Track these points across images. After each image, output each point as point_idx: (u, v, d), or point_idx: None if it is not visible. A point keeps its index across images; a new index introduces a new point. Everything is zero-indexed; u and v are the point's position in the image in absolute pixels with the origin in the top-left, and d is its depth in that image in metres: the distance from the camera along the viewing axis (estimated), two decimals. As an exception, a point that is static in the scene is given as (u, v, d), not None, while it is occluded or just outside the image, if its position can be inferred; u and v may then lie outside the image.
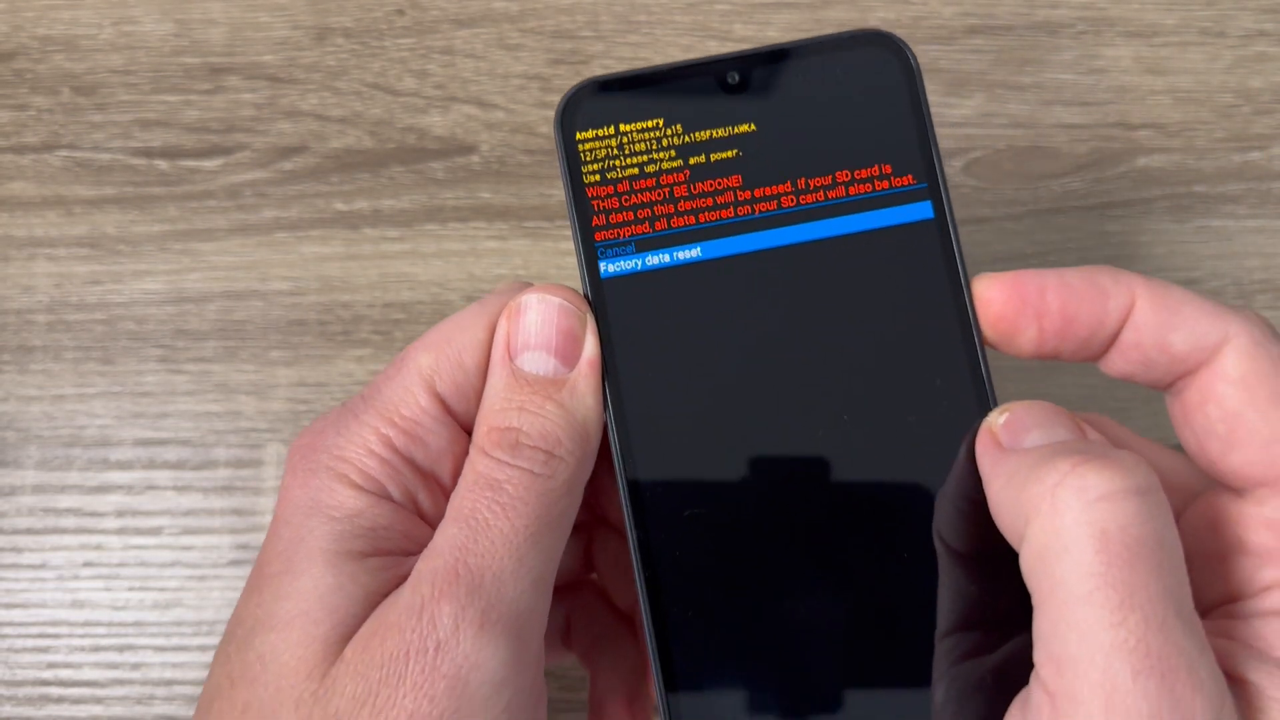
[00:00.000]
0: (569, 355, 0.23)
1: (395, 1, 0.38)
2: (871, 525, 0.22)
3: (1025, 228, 0.36)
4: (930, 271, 0.23)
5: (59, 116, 0.37)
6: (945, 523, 0.22)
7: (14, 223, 0.37)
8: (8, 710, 0.33)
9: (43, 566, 0.34)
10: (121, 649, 0.34)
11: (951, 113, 0.37)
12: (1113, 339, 0.22)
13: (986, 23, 0.38)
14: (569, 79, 0.38)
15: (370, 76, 0.38)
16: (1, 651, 0.34)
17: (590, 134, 0.24)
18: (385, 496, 0.22)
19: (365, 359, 0.35)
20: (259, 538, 0.34)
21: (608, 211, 0.23)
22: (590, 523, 0.29)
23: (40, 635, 0.34)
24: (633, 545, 0.22)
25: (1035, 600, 0.19)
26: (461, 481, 0.22)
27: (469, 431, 0.23)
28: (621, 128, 0.24)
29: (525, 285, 0.24)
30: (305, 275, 0.36)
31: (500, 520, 0.21)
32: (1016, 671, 0.20)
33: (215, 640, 0.34)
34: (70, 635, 0.34)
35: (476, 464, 0.22)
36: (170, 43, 0.38)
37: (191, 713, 0.33)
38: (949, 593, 0.22)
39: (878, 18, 0.38)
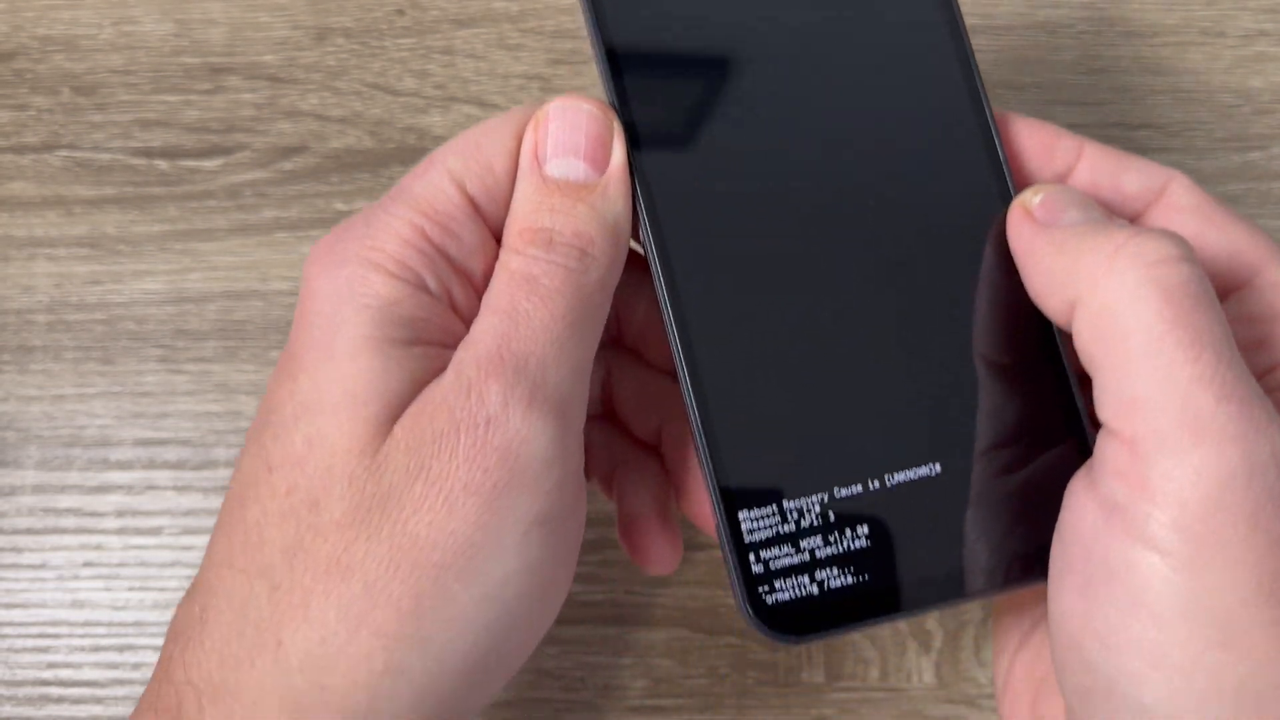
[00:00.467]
0: (598, 160, 0.23)
1: (395, 1, 0.38)
2: (908, 327, 0.23)
3: (1025, 228, 0.36)
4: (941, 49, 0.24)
5: (59, 116, 0.37)
6: (982, 330, 0.23)
7: (14, 223, 0.37)
8: (8, 710, 0.33)
9: (43, 566, 0.34)
10: (122, 649, 0.34)
11: (952, 113, 0.37)
12: (1067, 176, 0.24)
13: (986, 23, 0.38)
14: (570, 79, 0.38)
15: (370, 76, 0.38)
16: (1, 651, 0.34)
17: None
18: (422, 287, 0.22)
19: (365, 359, 0.35)
20: (259, 538, 0.34)
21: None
22: (608, 350, 0.28)
23: (40, 635, 0.34)
24: (671, 333, 0.22)
25: (1095, 359, 0.20)
26: (495, 279, 0.22)
27: (497, 238, 0.23)
28: None
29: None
30: (305, 275, 0.36)
31: (539, 310, 0.21)
32: (1050, 480, 0.22)
33: (215, 640, 0.34)
34: (70, 635, 0.34)
35: (510, 262, 0.22)
36: (170, 43, 0.38)
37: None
38: (985, 408, 0.23)
39: (878, 18, 0.38)
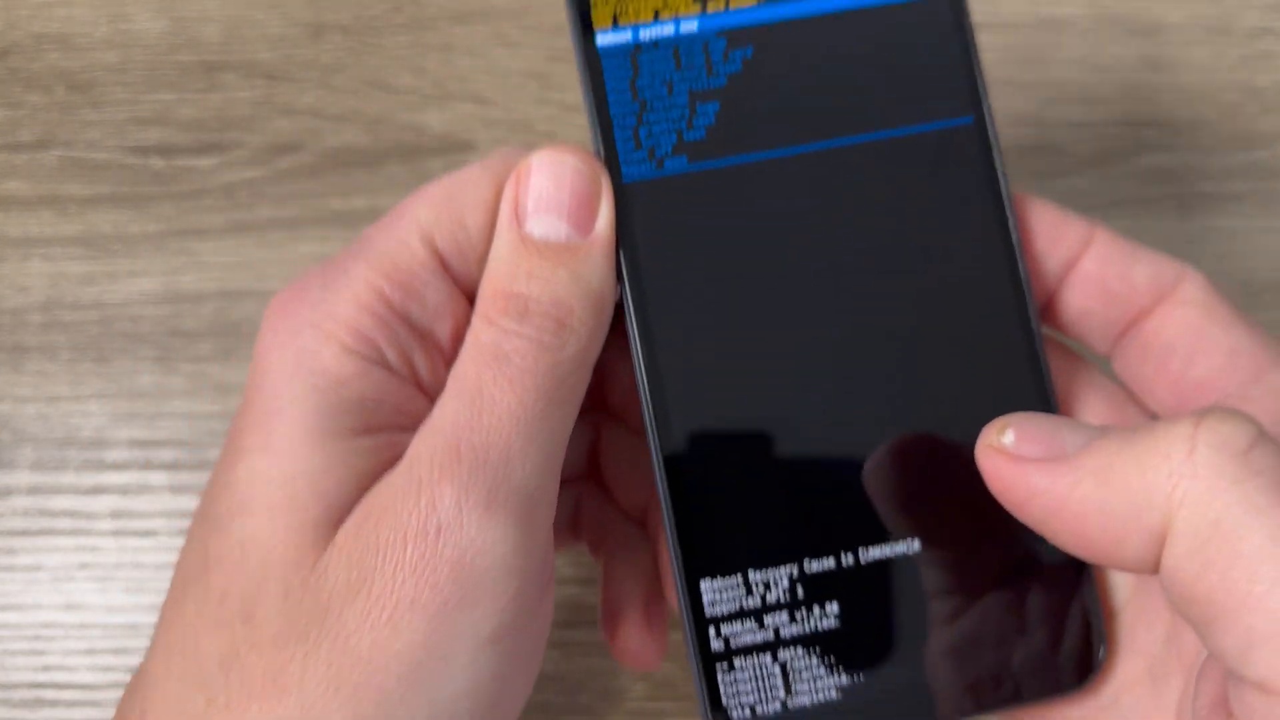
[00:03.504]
0: (583, 221, 0.21)
1: (393, -2, 0.38)
2: (895, 411, 0.22)
3: (1029, 227, 0.36)
4: (968, 178, 0.22)
5: (53, 114, 0.37)
6: (974, 415, 0.21)
7: (8, 221, 0.36)
8: (2, 713, 0.33)
9: (37, 568, 0.34)
10: (116, 651, 0.33)
11: (954, 110, 0.37)
12: (1074, 263, 0.22)
13: (991, 20, 0.38)
14: (568, 76, 0.37)
15: (367, 73, 0.37)
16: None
17: None
18: (378, 361, 0.20)
19: (362, 359, 0.35)
20: (255, 539, 0.34)
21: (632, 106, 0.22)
22: (595, 414, 0.27)
23: (34, 638, 0.34)
24: (651, 434, 0.21)
25: (1217, 596, 0.16)
26: (464, 352, 0.20)
27: (469, 296, 0.21)
28: None
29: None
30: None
31: (506, 394, 0.19)
32: (1048, 590, 0.20)
33: (211, 643, 0.34)
34: (65, 638, 0.34)
35: (480, 333, 0.20)
36: (165, 40, 0.38)
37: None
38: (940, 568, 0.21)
39: (880, 14, 0.38)
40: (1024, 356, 0.22)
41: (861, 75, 0.22)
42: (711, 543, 0.21)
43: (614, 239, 0.21)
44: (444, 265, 0.21)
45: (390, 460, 0.20)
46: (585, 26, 0.21)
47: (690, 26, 0.22)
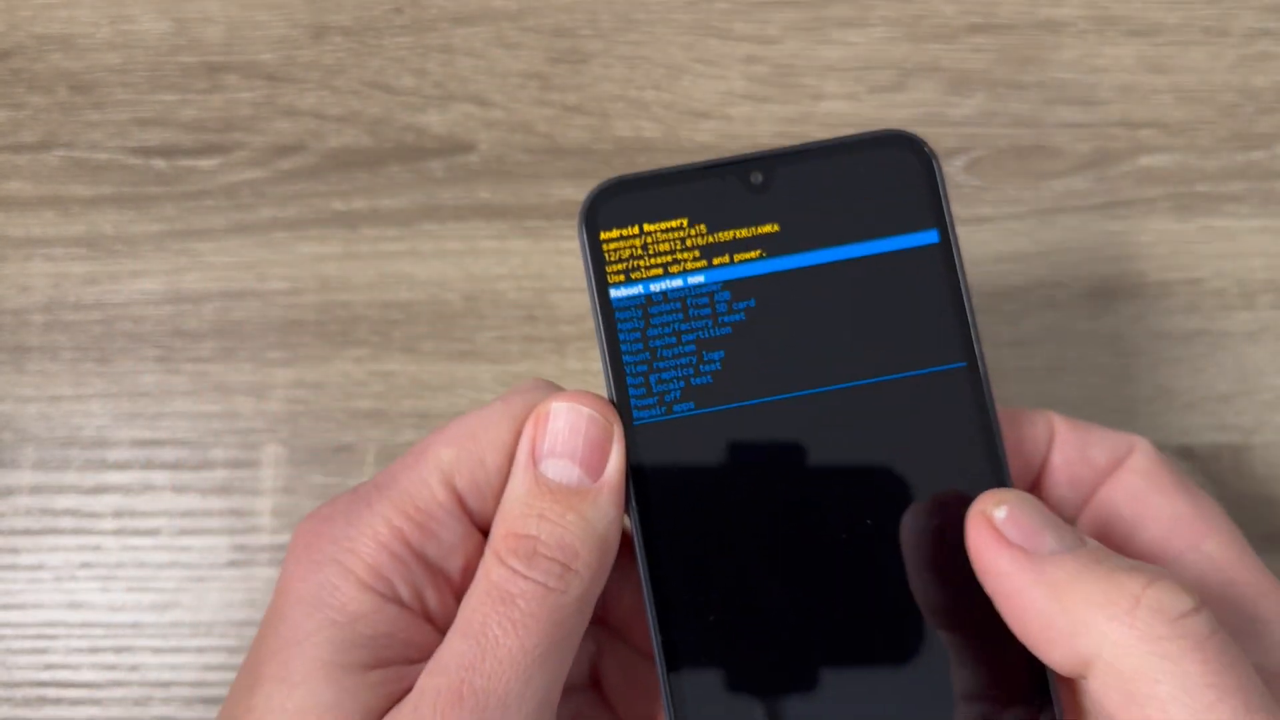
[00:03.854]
0: (594, 466, 0.22)
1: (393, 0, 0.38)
2: (877, 604, 0.22)
3: (1027, 227, 0.36)
4: (958, 414, 0.23)
5: (56, 115, 0.37)
6: (931, 601, 0.22)
7: (11, 222, 0.36)
8: (5, 712, 0.33)
9: (40, 567, 0.34)
10: (119, 650, 0.34)
11: (953, 111, 0.37)
12: (1044, 461, 0.25)
13: (989, 21, 0.38)
14: (569, 77, 0.37)
15: (368, 75, 0.37)
16: (0, 653, 0.34)
17: (615, 233, 0.24)
18: (393, 598, 0.22)
19: (363, 359, 0.35)
20: (257, 538, 0.34)
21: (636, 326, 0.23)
22: (597, 629, 0.28)
23: (37, 636, 0.34)
24: (659, 659, 0.22)
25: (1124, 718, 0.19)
26: (474, 588, 0.21)
27: (483, 530, 0.23)
28: (646, 227, 0.24)
29: (550, 385, 0.23)
30: (303, 275, 0.36)
31: (510, 638, 0.20)
32: None
33: (213, 641, 0.34)
34: (68, 636, 0.34)
35: (491, 571, 0.21)
36: (168, 41, 0.38)
37: (189, 714, 0.33)
38: (951, 669, 0.22)
39: (879, 16, 0.38)
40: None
41: (858, 323, 0.23)
42: None
43: (622, 484, 0.22)
44: (461, 504, 0.22)
45: (400, 692, 0.21)
46: (601, 281, 0.23)
47: (697, 280, 0.23)
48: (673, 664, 0.22)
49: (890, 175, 0.24)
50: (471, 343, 0.35)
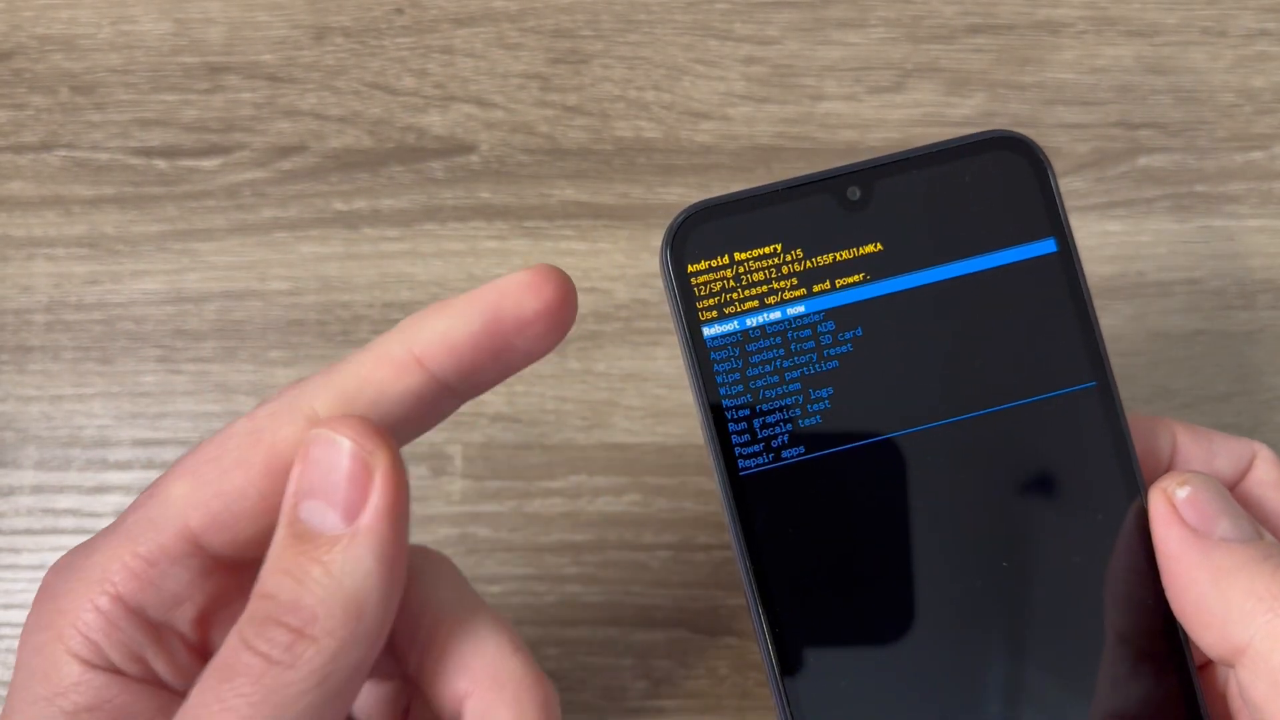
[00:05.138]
0: (352, 506, 0.18)
1: (394, 0, 0.38)
2: (1037, 624, 0.21)
3: (1026, 227, 0.36)
4: (1091, 430, 0.22)
5: (57, 116, 0.37)
6: (1113, 602, 0.22)
7: (12, 222, 0.37)
8: (6, 711, 0.33)
9: (41, 567, 0.34)
10: (120, 650, 0.34)
11: (953, 112, 0.37)
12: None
13: (988, 21, 0.38)
14: (569, 78, 0.38)
15: (369, 76, 0.38)
16: (0, 653, 0.34)
17: (704, 264, 0.21)
18: (103, 665, 0.19)
19: (364, 359, 0.35)
20: (258, 538, 0.34)
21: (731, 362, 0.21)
22: (400, 684, 0.24)
23: (39, 636, 0.34)
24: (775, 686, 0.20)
25: (1271, 714, 0.19)
26: (216, 654, 0.18)
27: (229, 566, 0.20)
28: (737, 256, 0.21)
29: (301, 383, 0.20)
30: (304, 275, 0.36)
31: None
32: None
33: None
34: (69, 636, 0.34)
35: (229, 638, 0.18)
36: (169, 42, 0.38)
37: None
38: (1107, 679, 0.22)
39: (878, 16, 0.38)
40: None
41: (976, 346, 0.21)
42: None
43: (389, 530, 0.18)
44: (195, 544, 0.19)
45: None
46: (693, 319, 0.21)
47: (798, 310, 0.21)
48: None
49: (999, 181, 0.22)
50: (472, 343, 0.36)
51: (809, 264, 0.21)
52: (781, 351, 0.21)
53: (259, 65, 0.38)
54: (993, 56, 0.38)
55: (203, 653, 0.20)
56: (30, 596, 0.33)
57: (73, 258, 0.36)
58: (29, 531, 0.34)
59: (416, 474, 0.34)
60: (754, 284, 0.21)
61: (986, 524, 0.21)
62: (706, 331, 0.21)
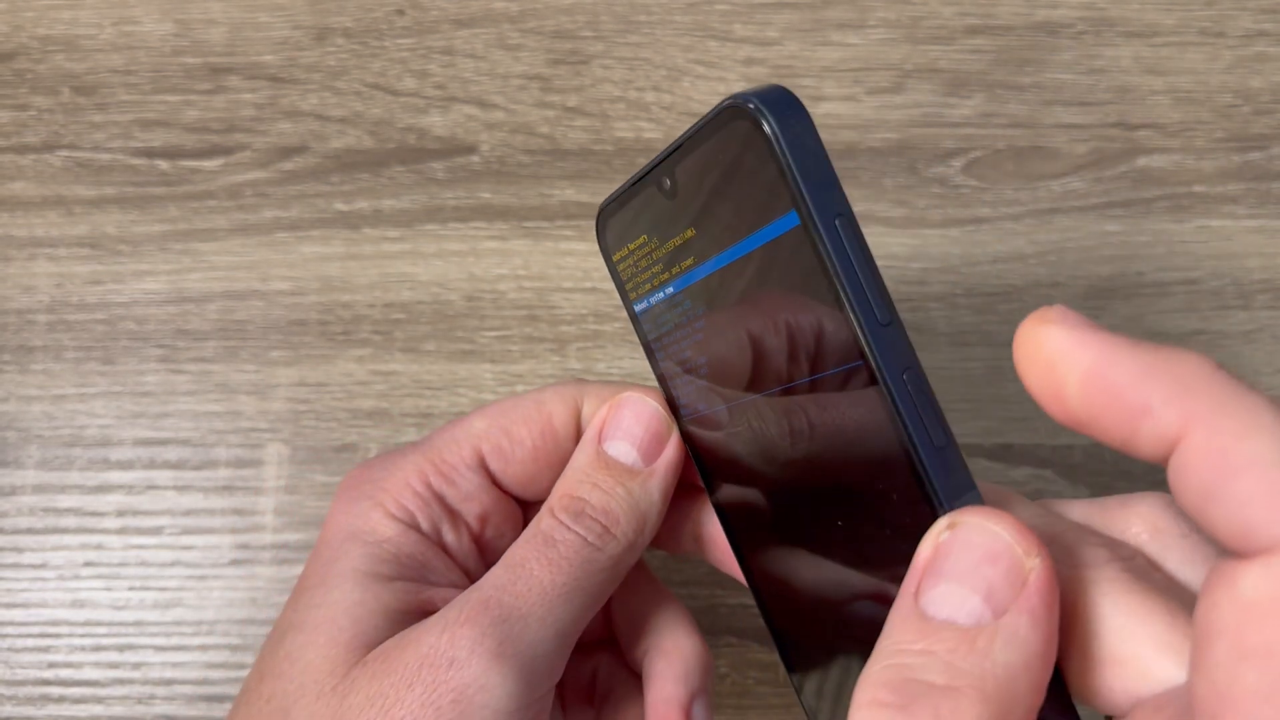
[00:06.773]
0: (650, 453, 0.25)
1: (395, 1, 0.38)
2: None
3: (1025, 228, 0.37)
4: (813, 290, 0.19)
5: (59, 116, 0.37)
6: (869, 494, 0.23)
7: (14, 223, 0.37)
8: (9, 710, 0.33)
9: (43, 566, 0.34)
10: (122, 648, 0.34)
11: (951, 112, 0.37)
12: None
13: (986, 23, 0.38)
14: (569, 79, 0.38)
15: (370, 76, 0.38)
16: (2, 651, 0.34)
17: (620, 254, 0.25)
18: (414, 526, 0.25)
19: (366, 359, 0.35)
20: (259, 537, 0.34)
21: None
22: (598, 651, 0.29)
23: (41, 635, 0.34)
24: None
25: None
26: (524, 534, 0.24)
27: (503, 491, 0.26)
28: (630, 247, 0.25)
29: (582, 383, 0.26)
30: (306, 275, 0.36)
31: (542, 571, 0.23)
32: None
33: (216, 640, 0.34)
34: (71, 635, 0.34)
35: (541, 521, 0.24)
36: (170, 43, 0.38)
37: (191, 712, 0.33)
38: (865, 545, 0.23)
39: (878, 17, 0.38)
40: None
41: (767, 331, 0.23)
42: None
43: (671, 476, 0.25)
44: (482, 463, 0.26)
45: (414, 602, 0.24)
46: (624, 297, 0.26)
47: (669, 291, 0.24)
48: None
49: (746, 156, 0.20)
50: (473, 343, 0.36)
51: (663, 251, 0.24)
52: (672, 325, 0.24)
53: (260, 66, 0.38)
54: (991, 57, 0.38)
55: (478, 539, 0.26)
56: (30, 596, 0.34)
57: (75, 258, 0.36)
58: (31, 531, 0.34)
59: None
60: (643, 269, 0.24)
61: (804, 471, 0.23)
62: (635, 307, 0.25)
